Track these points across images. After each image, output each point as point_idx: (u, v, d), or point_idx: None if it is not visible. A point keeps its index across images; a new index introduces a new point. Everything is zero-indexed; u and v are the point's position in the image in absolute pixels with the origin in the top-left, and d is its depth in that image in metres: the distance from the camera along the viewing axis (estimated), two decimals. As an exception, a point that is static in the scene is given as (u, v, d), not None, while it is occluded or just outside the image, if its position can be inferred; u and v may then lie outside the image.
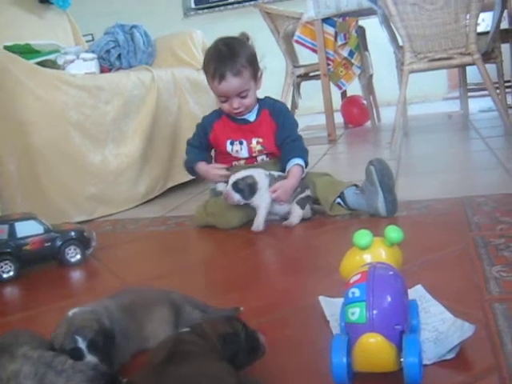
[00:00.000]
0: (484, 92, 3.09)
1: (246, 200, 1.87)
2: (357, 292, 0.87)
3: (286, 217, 1.92)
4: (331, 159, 3.27)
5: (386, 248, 1.01)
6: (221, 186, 2.00)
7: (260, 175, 1.90)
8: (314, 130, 4.64)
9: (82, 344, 0.91)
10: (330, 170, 2.86)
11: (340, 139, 3.99)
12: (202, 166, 2.06)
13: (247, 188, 1.85)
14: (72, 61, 2.87)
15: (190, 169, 2.11)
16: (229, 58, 1.90)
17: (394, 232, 1.00)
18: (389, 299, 0.86)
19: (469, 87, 4.43)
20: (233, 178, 1.88)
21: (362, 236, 0.99)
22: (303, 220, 1.91)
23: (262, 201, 1.88)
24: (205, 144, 2.09)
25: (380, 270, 0.91)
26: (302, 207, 1.90)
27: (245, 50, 1.94)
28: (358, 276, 0.90)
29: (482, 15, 4.59)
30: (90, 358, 0.91)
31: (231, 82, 1.90)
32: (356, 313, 0.85)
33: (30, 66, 2.23)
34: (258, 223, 1.86)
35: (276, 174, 1.94)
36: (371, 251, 1.00)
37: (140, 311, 1.08)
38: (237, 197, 1.86)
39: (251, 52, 1.97)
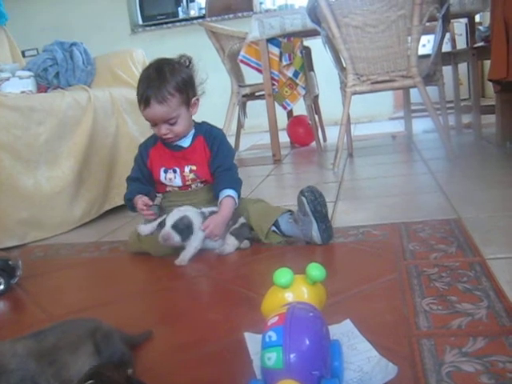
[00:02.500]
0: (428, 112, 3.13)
1: (183, 242, 1.79)
2: (273, 336, 0.83)
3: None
4: (275, 180, 3.24)
5: (308, 286, 0.98)
6: (145, 229, 1.90)
7: (193, 215, 1.83)
8: (259, 150, 4.63)
9: None
10: (273, 192, 2.88)
11: (285, 159, 3.98)
12: (136, 198, 1.94)
13: (186, 230, 1.78)
14: (7, 79, 2.79)
15: (128, 203, 1.99)
16: (156, 84, 1.82)
17: (315, 270, 0.96)
18: (307, 343, 0.83)
19: (413, 107, 4.49)
20: (171, 219, 1.79)
21: (282, 274, 0.95)
22: (240, 248, 1.87)
23: (193, 239, 1.81)
24: (146, 173, 2.00)
25: (299, 311, 0.87)
26: (238, 237, 1.86)
27: (177, 76, 1.85)
28: (276, 318, 0.86)
29: (428, 37, 4.68)
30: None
31: (155, 109, 1.82)
32: (272, 358, 0.82)
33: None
34: (183, 258, 1.78)
35: (207, 210, 1.88)
36: (293, 290, 0.96)
37: (63, 354, 1.01)
38: (177, 238, 1.77)
39: (185, 78, 1.88)
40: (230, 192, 1.89)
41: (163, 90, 1.81)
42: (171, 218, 1.79)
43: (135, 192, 1.95)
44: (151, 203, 1.89)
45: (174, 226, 1.77)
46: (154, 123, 1.88)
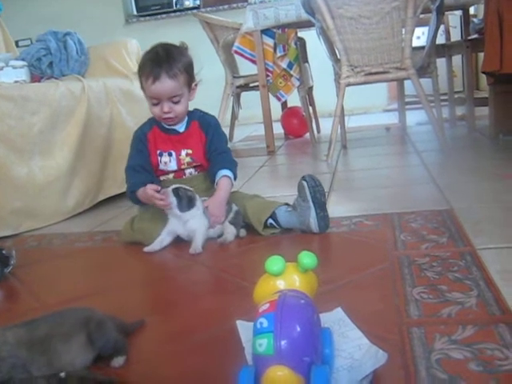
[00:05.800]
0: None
1: (179, 210, 1.79)
2: (265, 322, 0.84)
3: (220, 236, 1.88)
4: (269, 171, 3.25)
5: (299, 274, 0.98)
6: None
7: (198, 198, 1.85)
8: (253, 141, 4.63)
9: None
10: (267, 183, 2.88)
11: (279, 151, 3.98)
12: (141, 190, 1.89)
13: (186, 198, 1.79)
14: (1, 68, 2.78)
15: (132, 196, 1.95)
16: (166, 60, 1.86)
17: (306, 258, 0.97)
18: (298, 330, 0.83)
19: (407, 99, 4.49)
20: (176, 185, 1.82)
21: (274, 262, 0.96)
22: (238, 237, 1.88)
23: (199, 225, 1.81)
24: (147, 157, 1.97)
25: (290, 298, 0.88)
26: (236, 226, 1.87)
27: (182, 57, 1.91)
28: (267, 305, 0.87)
29: (422, 29, 4.68)
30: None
31: (165, 84, 1.85)
32: (263, 344, 0.82)
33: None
34: (196, 246, 1.77)
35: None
36: (284, 277, 0.97)
37: (55, 344, 1.02)
38: (173, 200, 1.77)
39: (188, 61, 1.93)
40: (226, 172, 1.93)
41: (173, 67, 1.86)
42: (177, 184, 1.83)
43: (140, 184, 1.90)
44: (159, 188, 1.83)
45: (174, 190, 1.80)
46: (158, 100, 1.89)
